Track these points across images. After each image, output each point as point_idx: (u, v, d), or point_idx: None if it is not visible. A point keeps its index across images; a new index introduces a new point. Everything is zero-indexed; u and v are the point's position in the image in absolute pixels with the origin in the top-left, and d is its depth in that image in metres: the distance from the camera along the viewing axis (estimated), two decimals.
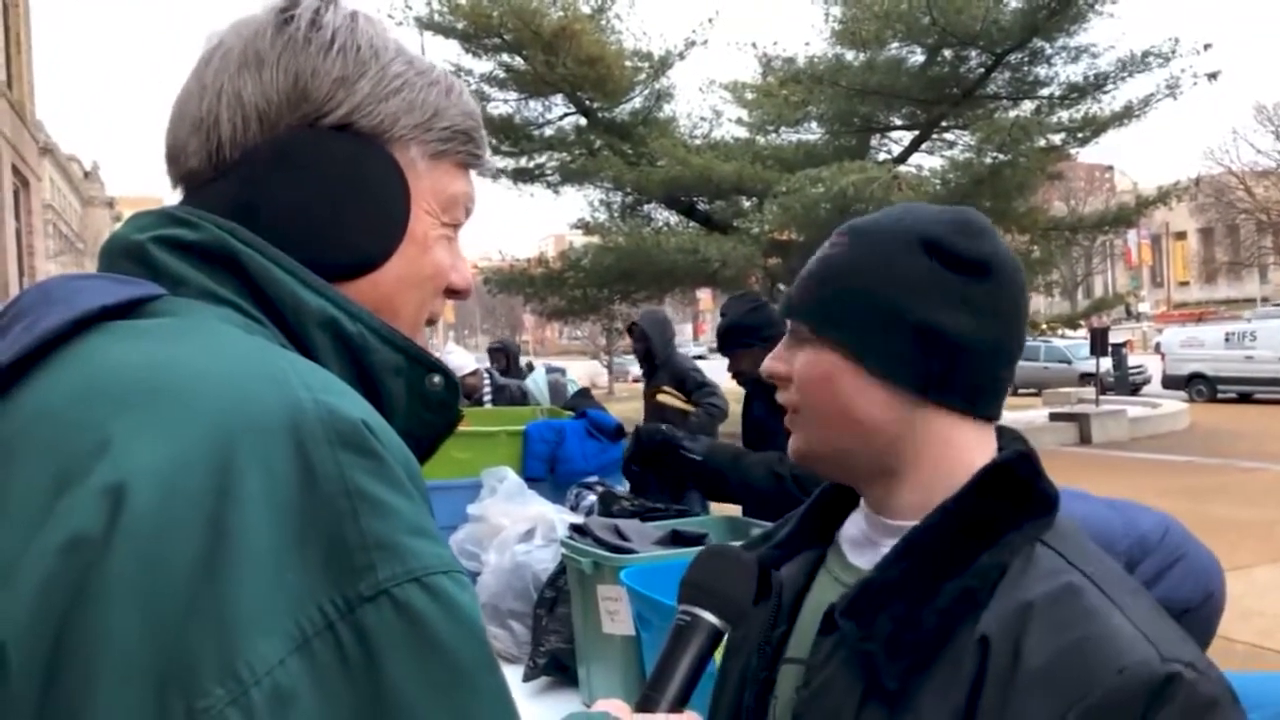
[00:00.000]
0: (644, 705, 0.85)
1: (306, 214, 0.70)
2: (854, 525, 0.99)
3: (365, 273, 0.72)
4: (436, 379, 0.71)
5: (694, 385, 5.46)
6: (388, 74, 0.72)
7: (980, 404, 0.91)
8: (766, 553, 1.02)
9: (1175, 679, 0.75)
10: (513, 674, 2.13)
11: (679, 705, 0.85)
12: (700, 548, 1.05)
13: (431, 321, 0.79)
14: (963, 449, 0.90)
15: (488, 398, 6.62)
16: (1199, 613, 2.38)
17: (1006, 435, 0.95)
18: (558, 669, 2.04)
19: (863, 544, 0.96)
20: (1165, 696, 0.74)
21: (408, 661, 0.51)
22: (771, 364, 0.96)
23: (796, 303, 0.95)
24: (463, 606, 0.54)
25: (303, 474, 0.52)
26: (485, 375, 6.81)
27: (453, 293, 0.80)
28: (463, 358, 6.87)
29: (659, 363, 5.56)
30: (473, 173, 0.80)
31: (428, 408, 0.71)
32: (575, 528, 2.02)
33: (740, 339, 3.86)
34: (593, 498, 2.54)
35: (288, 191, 0.70)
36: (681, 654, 0.87)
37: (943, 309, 0.88)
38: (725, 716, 1.00)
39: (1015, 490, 0.87)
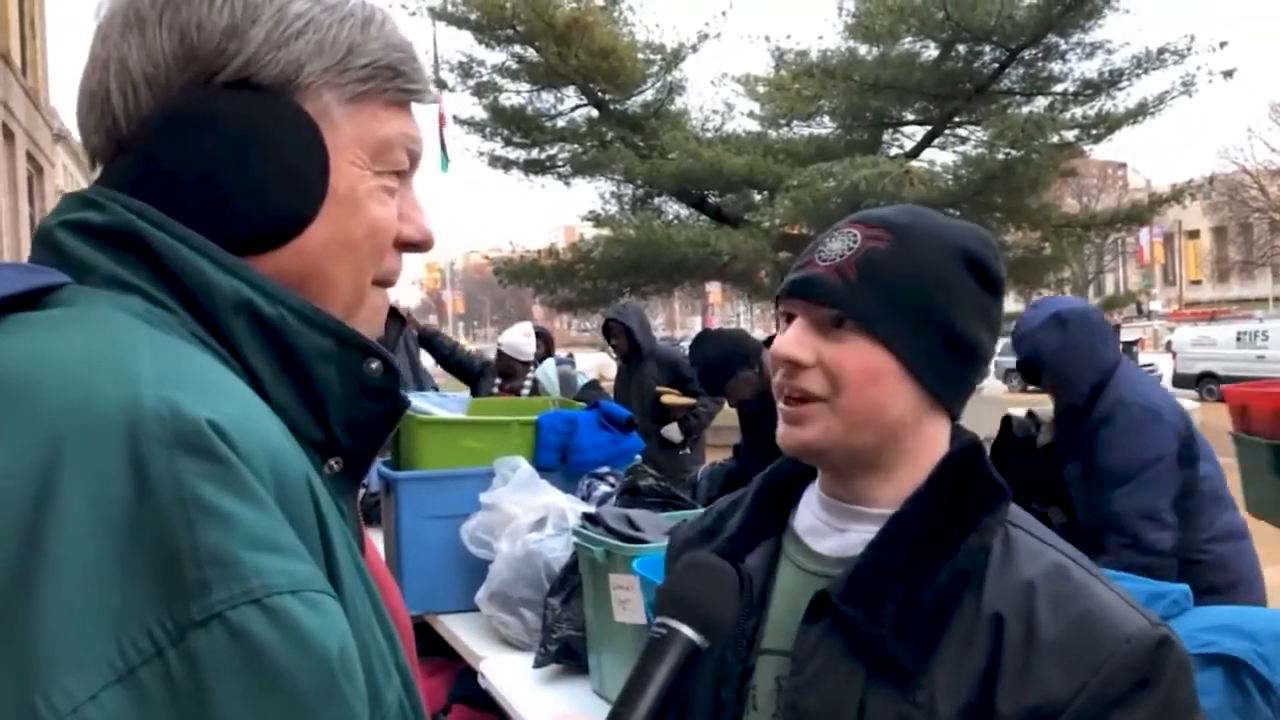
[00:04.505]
0: None
1: (207, 182, 0.62)
2: (809, 513, 1.00)
3: (284, 241, 0.64)
4: (374, 364, 0.64)
5: (690, 371, 5.44)
6: (286, 16, 0.64)
7: (961, 408, 0.97)
8: (722, 546, 1.02)
9: (1166, 641, 0.85)
10: (524, 661, 2.15)
11: None
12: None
13: (388, 283, 0.71)
14: (938, 445, 0.96)
15: (525, 391, 5.60)
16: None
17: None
18: (569, 657, 2.06)
19: (823, 532, 0.98)
20: (1161, 657, 0.84)
21: (243, 695, 0.46)
22: (796, 350, 0.93)
23: (844, 294, 0.92)
24: (308, 631, 0.48)
25: (134, 481, 0.47)
26: (532, 368, 5.70)
27: (407, 246, 0.71)
28: (521, 341, 5.67)
29: (645, 353, 5.49)
30: (414, 107, 0.71)
31: (368, 395, 0.65)
32: (587, 517, 2.04)
33: (734, 370, 3.84)
34: (604, 488, 2.56)
35: (185, 160, 0.63)
36: (655, 669, 0.82)
37: (975, 323, 0.94)
38: (703, 711, 0.98)
39: (975, 476, 0.93)
